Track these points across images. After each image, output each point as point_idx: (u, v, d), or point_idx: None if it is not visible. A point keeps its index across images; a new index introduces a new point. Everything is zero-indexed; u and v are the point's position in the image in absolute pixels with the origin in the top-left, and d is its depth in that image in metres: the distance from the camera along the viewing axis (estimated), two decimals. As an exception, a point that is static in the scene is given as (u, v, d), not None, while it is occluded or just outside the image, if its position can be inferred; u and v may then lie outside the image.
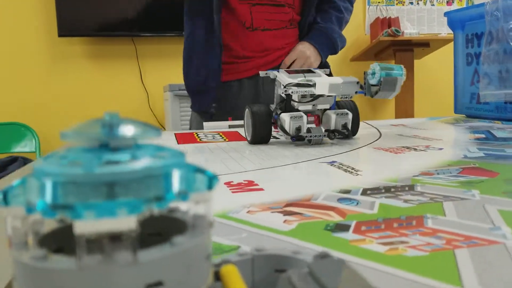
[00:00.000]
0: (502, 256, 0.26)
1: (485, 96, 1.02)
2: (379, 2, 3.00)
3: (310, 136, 0.70)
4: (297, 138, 0.69)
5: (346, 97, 0.71)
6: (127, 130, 0.14)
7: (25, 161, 2.26)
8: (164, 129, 2.54)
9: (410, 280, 0.23)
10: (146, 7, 2.49)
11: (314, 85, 0.68)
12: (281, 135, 0.78)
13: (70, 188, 0.12)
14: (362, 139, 0.77)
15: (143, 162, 0.13)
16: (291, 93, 0.69)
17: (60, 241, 0.15)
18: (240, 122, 1.04)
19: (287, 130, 0.69)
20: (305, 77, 0.73)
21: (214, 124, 1.01)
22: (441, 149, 0.65)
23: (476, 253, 0.26)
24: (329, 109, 0.74)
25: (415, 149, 0.65)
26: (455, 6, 3.14)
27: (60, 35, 2.40)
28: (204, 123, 1.02)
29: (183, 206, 0.16)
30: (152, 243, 0.14)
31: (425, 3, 3.09)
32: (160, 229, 0.16)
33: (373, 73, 0.69)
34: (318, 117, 0.74)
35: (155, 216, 0.16)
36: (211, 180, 0.15)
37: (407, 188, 0.42)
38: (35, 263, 0.12)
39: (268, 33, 1.12)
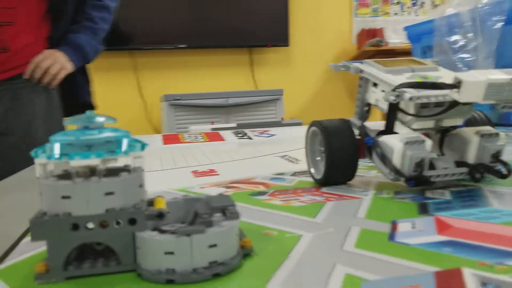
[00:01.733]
0: (353, 206, 0.39)
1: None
2: (365, 14, 3.15)
3: (438, 176, 0.42)
4: (418, 182, 0.41)
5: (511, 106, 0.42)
6: (98, 119, 0.28)
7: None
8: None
9: (289, 217, 0.36)
10: (143, 22, 2.64)
11: (457, 85, 0.39)
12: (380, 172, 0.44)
13: (67, 146, 0.26)
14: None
15: (105, 135, 0.27)
16: (407, 100, 0.40)
17: (62, 176, 0.28)
18: (223, 124, 1.17)
19: (399, 166, 0.41)
20: (413, 71, 0.46)
21: (198, 126, 1.15)
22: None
23: (338, 204, 0.40)
24: (458, 126, 0.46)
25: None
26: (439, 15, 3.29)
27: (62, 50, 2.55)
28: (190, 126, 1.15)
29: (128, 160, 0.29)
30: (111, 175, 0.27)
31: (409, 14, 3.24)
32: (117, 171, 0.29)
33: None
34: (429, 137, 0.43)
35: (115, 168, 0.30)
36: (143, 145, 0.28)
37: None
38: (52, 182, 0.26)
39: None
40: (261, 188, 0.47)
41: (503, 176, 0.42)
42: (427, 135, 0.44)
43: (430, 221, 0.34)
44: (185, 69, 2.86)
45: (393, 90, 0.41)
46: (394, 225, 0.33)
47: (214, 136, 1.02)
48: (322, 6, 3.07)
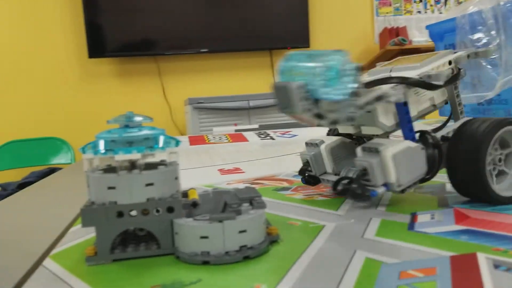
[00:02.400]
0: (374, 200, 0.41)
1: (462, 99, 1.16)
2: (387, 13, 3.14)
3: (326, 181, 0.43)
4: (305, 180, 0.44)
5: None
6: (137, 118, 0.30)
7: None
8: (186, 139, 2.72)
9: (312, 210, 0.39)
10: (167, 28, 2.70)
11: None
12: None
13: (111, 143, 0.29)
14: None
15: (144, 132, 0.30)
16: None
17: (107, 170, 0.31)
18: (245, 126, 1.20)
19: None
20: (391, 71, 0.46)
21: (222, 128, 1.17)
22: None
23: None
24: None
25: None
26: (462, 13, 3.25)
27: (90, 56, 2.63)
28: (214, 128, 1.18)
29: (164, 155, 0.32)
30: (151, 168, 0.30)
31: (433, 11, 3.21)
32: (155, 165, 0.32)
33: None
34: None
35: (153, 162, 0.32)
36: (177, 142, 0.31)
37: (348, 168, 0.57)
38: (99, 175, 0.29)
39: None
40: (285, 184, 0.50)
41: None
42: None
43: (449, 212, 0.36)
44: (207, 72, 2.90)
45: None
46: (413, 217, 0.35)
47: (237, 137, 1.04)
48: (343, 6, 3.08)
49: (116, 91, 2.81)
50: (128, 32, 2.67)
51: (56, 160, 2.61)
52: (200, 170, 0.65)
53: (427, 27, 1.32)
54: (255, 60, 2.96)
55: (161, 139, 0.30)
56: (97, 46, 2.67)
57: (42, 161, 2.57)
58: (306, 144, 0.43)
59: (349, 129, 0.43)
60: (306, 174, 0.42)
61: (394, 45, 2.70)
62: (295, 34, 2.88)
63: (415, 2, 3.17)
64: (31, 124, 2.70)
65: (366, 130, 0.42)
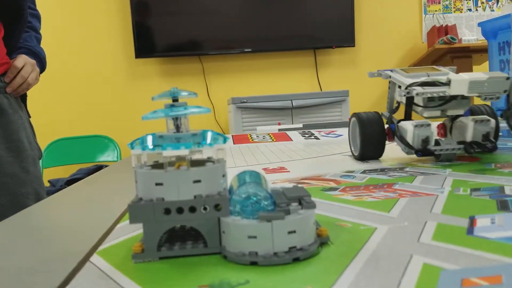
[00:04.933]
0: (428, 202, 0.39)
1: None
2: (435, 11, 3.04)
3: (441, 150, 0.56)
4: (424, 153, 0.56)
5: (492, 98, 0.54)
6: (182, 93, 0.30)
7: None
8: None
9: (362, 211, 0.37)
10: (211, 29, 2.72)
11: (448, 83, 0.54)
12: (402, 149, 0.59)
13: (159, 139, 0.28)
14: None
15: (191, 110, 0.29)
16: (415, 95, 0.55)
17: (155, 166, 0.31)
18: (289, 125, 1.19)
19: (411, 142, 0.56)
20: (428, 76, 0.59)
21: (265, 127, 1.17)
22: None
23: (412, 200, 0.40)
24: (462, 115, 0.59)
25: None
26: (517, 10, 3.11)
27: (137, 57, 2.69)
28: (258, 127, 1.17)
29: (212, 152, 0.31)
30: (198, 165, 0.29)
31: (484, 9, 3.09)
32: (202, 162, 0.31)
33: None
34: (444, 126, 0.61)
35: (201, 159, 0.32)
36: (225, 139, 0.30)
37: (398, 169, 0.55)
38: (147, 171, 0.28)
39: None
40: (332, 184, 0.48)
41: (490, 150, 0.57)
42: (443, 124, 0.61)
43: (510, 217, 0.33)
44: (250, 72, 2.91)
45: (406, 88, 0.56)
46: (472, 220, 0.33)
47: (281, 136, 1.03)
48: (389, 4, 3.01)
49: (162, 90, 2.86)
50: (174, 32, 2.72)
51: (103, 158, 2.69)
52: (243, 168, 0.64)
53: (480, 24, 1.26)
54: (299, 60, 2.94)
55: (209, 136, 0.30)
56: (144, 47, 2.73)
57: (89, 158, 2.66)
58: (416, 126, 0.55)
59: (435, 113, 0.58)
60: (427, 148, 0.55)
61: (443, 43, 2.62)
62: (340, 33, 2.84)
63: (465, -1, 3.06)
64: (79, 122, 2.79)
65: (451, 112, 0.59)
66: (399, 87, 0.60)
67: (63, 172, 2.67)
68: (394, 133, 0.59)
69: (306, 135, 1.03)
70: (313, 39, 2.82)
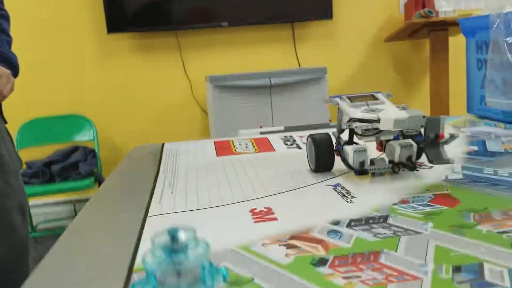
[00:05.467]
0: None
1: (491, 102, 1.13)
2: (413, -20, 3.01)
3: (374, 169, 0.72)
4: (361, 172, 0.72)
5: (412, 132, 0.70)
6: (181, 236, 0.30)
7: (85, 150, 2.51)
8: (207, 114, 2.72)
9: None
10: (186, 2, 2.65)
11: (378, 121, 0.69)
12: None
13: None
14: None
15: (192, 261, 0.30)
16: (354, 128, 0.71)
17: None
18: (271, 128, 1.20)
19: (351, 164, 0.72)
20: (368, 105, 0.74)
21: (247, 131, 1.17)
22: (431, 167, 0.78)
23: (399, 286, 0.42)
24: (393, 139, 0.73)
25: (409, 168, 0.78)
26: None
27: (109, 32, 2.60)
28: (240, 130, 1.18)
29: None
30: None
31: (461, -22, 3.07)
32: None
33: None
34: (381, 143, 0.75)
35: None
36: (225, 277, 0.31)
37: (381, 220, 0.57)
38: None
39: None
40: (321, 251, 0.50)
41: (411, 169, 0.73)
42: (381, 141, 0.76)
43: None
44: (227, 47, 2.86)
45: (348, 121, 0.72)
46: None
47: (263, 144, 1.04)
48: (367, -26, 2.97)
49: (136, 66, 2.79)
50: (147, 6, 2.63)
51: (79, 138, 2.66)
52: (232, 210, 0.65)
53: (459, 20, 1.27)
54: (277, 33, 2.90)
55: (208, 276, 0.30)
56: (116, 21, 2.64)
57: (65, 138, 2.62)
58: (355, 151, 0.70)
59: (371, 139, 0.74)
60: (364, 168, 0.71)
61: (420, 17, 2.61)
62: (317, 5, 2.80)
63: (443, -32, 3.03)
64: (53, 102, 2.72)
65: (383, 137, 0.74)
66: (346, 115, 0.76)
67: (39, 152, 2.63)
68: (340, 153, 0.76)
69: (288, 143, 1.04)
70: (290, 12, 2.77)
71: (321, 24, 2.90)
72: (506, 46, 1.08)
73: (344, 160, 0.74)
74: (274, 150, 1.00)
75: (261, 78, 2.38)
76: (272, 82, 2.38)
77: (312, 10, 2.78)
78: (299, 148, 1.00)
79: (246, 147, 1.03)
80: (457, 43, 3.03)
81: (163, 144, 1.12)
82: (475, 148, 0.90)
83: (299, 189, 0.73)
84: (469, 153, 0.87)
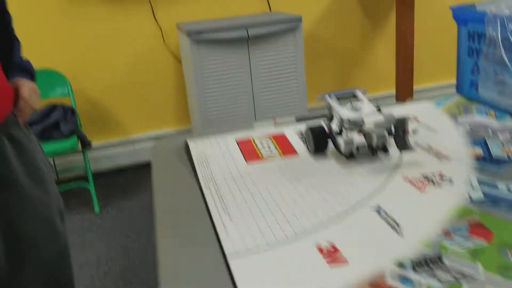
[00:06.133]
0: None
1: (483, 92, 1.24)
2: None
3: (358, 154, 0.99)
4: (349, 157, 0.97)
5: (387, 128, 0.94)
6: None
7: (63, 108, 2.44)
8: (180, 62, 2.69)
9: None
10: None
11: (363, 123, 0.92)
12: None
13: None
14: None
15: None
16: (346, 127, 0.94)
17: None
18: (283, 119, 1.27)
19: (342, 151, 0.97)
20: (351, 104, 0.98)
21: (261, 123, 1.23)
22: (451, 181, 0.90)
23: None
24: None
25: (433, 183, 0.90)
26: None
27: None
28: (254, 123, 1.23)
29: None
30: None
31: None
32: None
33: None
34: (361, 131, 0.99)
35: None
36: None
37: (439, 261, 0.68)
38: None
39: None
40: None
41: (385, 152, 0.98)
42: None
43: None
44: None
45: (340, 122, 0.97)
46: None
47: (284, 144, 1.11)
48: None
49: (104, 14, 2.66)
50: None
51: (54, 93, 2.57)
52: (299, 247, 0.74)
53: (452, 8, 1.33)
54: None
55: None
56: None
57: (40, 94, 2.51)
58: (345, 143, 0.94)
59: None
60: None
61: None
62: None
63: None
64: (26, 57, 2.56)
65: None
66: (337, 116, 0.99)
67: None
68: (333, 141, 1.01)
69: (304, 140, 1.12)
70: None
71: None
72: (499, 41, 1.17)
73: (337, 148, 0.99)
74: (297, 153, 1.07)
75: (238, 29, 2.36)
76: (249, 34, 2.37)
77: None
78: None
79: (270, 149, 1.10)
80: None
81: (186, 143, 1.16)
82: (480, 151, 1.02)
83: (348, 216, 0.82)
84: (477, 159, 0.99)
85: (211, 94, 2.42)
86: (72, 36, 2.63)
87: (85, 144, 2.49)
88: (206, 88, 2.40)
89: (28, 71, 1.05)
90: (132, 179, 2.93)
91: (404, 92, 2.95)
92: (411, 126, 1.17)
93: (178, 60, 2.82)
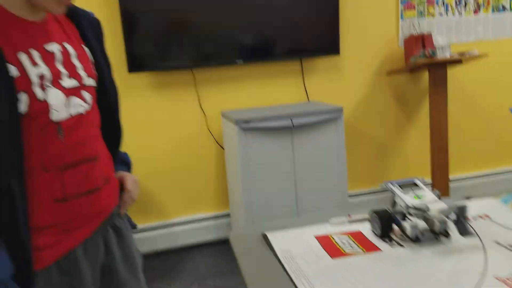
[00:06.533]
0: None
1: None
2: (411, 16, 3.17)
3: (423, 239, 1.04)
4: (415, 240, 1.03)
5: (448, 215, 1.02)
6: None
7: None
8: (223, 149, 2.79)
9: None
10: (201, 42, 2.69)
11: (428, 209, 1.00)
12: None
13: None
14: (470, 251, 1.03)
15: None
16: (412, 213, 1.02)
17: None
18: (357, 216, 1.30)
19: (408, 235, 1.04)
20: (413, 191, 1.07)
21: (337, 219, 1.27)
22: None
23: None
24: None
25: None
26: (481, 14, 3.32)
27: (130, 71, 2.61)
28: (331, 219, 1.27)
29: None
30: None
31: (453, 13, 3.26)
32: None
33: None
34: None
35: None
36: None
37: None
38: None
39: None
40: None
41: (446, 237, 1.05)
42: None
43: None
44: (240, 83, 2.93)
45: (407, 209, 1.04)
46: None
47: (364, 242, 1.13)
48: (369, 11, 3.10)
49: (154, 103, 2.82)
50: (165, 46, 2.65)
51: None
52: None
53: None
54: (286, 68, 2.99)
55: None
56: (136, 61, 2.66)
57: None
58: (411, 227, 1.03)
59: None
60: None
61: (424, 57, 2.77)
62: (325, 42, 2.91)
63: (437, 4, 3.21)
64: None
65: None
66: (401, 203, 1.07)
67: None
68: (398, 225, 1.07)
69: (385, 239, 1.14)
70: (299, 49, 2.87)
71: (328, 59, 3.02)
72: None
73: (403, 231, 1.06)
74: (380, 249, 1.09)
75: (283, 118, 2.47)
76: (294, 123, 2.48)
77: (320, 47, 2.90)
78: (401, 245, 1.10)
79: (351, 246, 1.13)
80: (454, 77, 3.25)
81: (265, 237, 1.19)
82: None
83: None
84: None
85: (255, 178, 2.48)
86: (125, 121, 2.75)
87: (132, 227, 2.51)
88: (251, 173, 2.46)
89: (127, 164, 1.11)
90: (171, 263, 2.91)
91: (440, 181, 2.98)
92: (483, 224, 1.17)
93: (220, 146, 2.93)
